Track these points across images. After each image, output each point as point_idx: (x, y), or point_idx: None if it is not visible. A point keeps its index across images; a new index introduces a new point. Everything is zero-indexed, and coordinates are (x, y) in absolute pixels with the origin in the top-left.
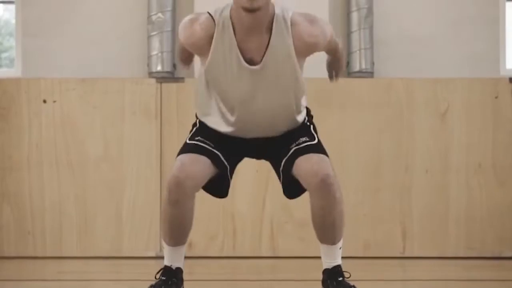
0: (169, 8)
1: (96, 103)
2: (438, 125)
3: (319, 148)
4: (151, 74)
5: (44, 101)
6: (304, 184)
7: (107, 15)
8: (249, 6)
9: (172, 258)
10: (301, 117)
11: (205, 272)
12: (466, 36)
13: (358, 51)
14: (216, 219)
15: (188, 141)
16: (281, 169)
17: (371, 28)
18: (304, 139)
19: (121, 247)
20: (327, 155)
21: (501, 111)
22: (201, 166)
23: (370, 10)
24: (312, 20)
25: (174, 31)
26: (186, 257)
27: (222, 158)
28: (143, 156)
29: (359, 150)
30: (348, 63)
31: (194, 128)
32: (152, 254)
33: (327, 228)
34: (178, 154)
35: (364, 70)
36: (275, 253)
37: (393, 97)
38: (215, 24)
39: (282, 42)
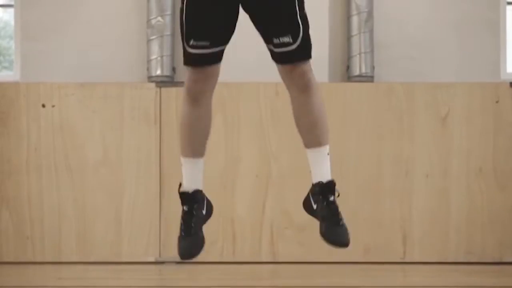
0: (169, 12)
1: (95, 107)
2: (439, 129)
3: (300, 52)
4: (150, 78)
5: (43, 106)
6: (284, 82)
7: (107, 19)
8: None
9: (191, 177)
10: None
11: (205, 277)
12: (466, 40)
13: (358, 55)
14: (216, 224)
15: (187, 48)
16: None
17: (371, 32)
18: (287, 39)
19: (120, 252)
20: (309, 55)
21: (501, 116)
22: (211, 69)
23: (370, 14)
24: None
25: (173, 35)
26: (185, 263)
27: (219, 48)
28: (143, 160)
29: (360, 154)
30: (348, 67)
31: (184, 7)
32: (152, 259)
33: (311, 126)
34: (186, 61)
35: (364, 74)
36: (275, 258)
37: (393, 101)
38: None
39: None
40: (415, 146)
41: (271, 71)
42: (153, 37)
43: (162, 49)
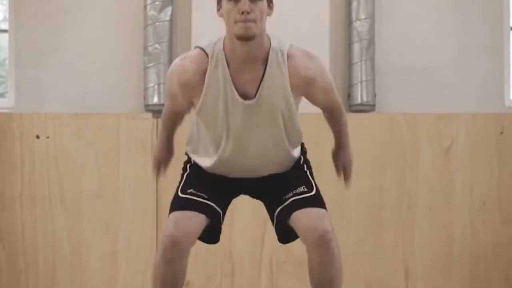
0: (166, 39)
1: (91, 138)
2: (442, 161)
3: (317, 201)
4: (147, 107)
5: (37, 137)
6: (301, 238)
7: (103, 46)
8: (243, 33)
9: None
10: (296, 152)
11: None
12: (469, 66)
13: (359, 83)
14: (214, 257)
15: (180, 194)
16: (275, 215)
17: (372, 60)
18: (301, 188)
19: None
20: (325, 207)
21: (506, 147)
22: (196, 223)
23: (371, 41)
24: (310, 55)
25: (171, 62)
26: None
27: (216, 207)
28: (139, 193)
29: (361, 187)
30: (349, 95)
31: (185, 175)
32: None
33: (325, 285)
34: (171, 209)
35: (365, 103)
36: None
37: (395, 132)
38: (208, 58)
39: (277, 75)
40: (418, 179)
41: None
42: (150, 64)
43: (159, 77)
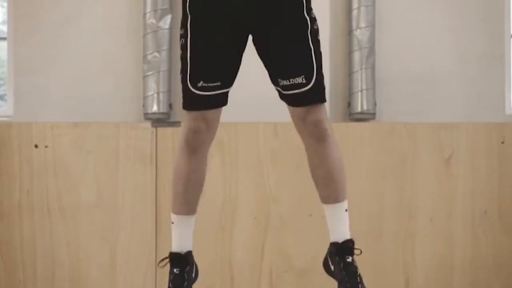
0: (165, 47)
1: (90, 148)
2: (442, 171)
3: (315, 95)
4: (146, 115)
5: (36, 146)
6: (296, 128)
7: (102, 54)
8: None
9: (184, 236)
10: None
11: None
12: (470, 75)
13: (359, 92)
14: (213, 267)
15: (191, 88)
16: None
17: (373, 68)
18: (300, 79)
19: None
20: (323, 98)
21: (507, 157)
22: (214, 118)
23: (372, 50)
24: None
25: (170, 71)
26: None
27: (229, 86)
28: (138, 202)
29: (361, 197)
30: (349, 104)
31: (188, 42)
32: None
33: (327, 179)
34: (184, 104)
35: (366, 111)
36: None
37: (396, 142)
38: None
39: None
40: (418, 189)
41: (270, 111)
42: (150, 73)
43: (159, 85)
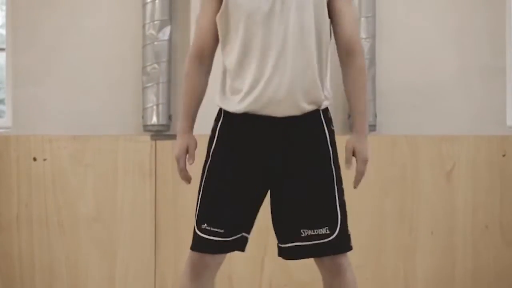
0: (165, 59)
1: (88, 161)
2: (444, 184)
3: (338, 245)
4: (146, 127)
5: (34, 159)
6: (318, 267)
7: (101, 65)
8: None
9: None
10: (323, 95)
11: None
12: (471, 87)
13: None
14: None
15: (196, 230)
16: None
17: (373, 80)
18: (324, 230)
19: None
20: (347, 247)
21: (509, 170)
22: (214, 264)
23: (372, 61)
24: None
25: (170, 82)
26: None
27: (234, 238)
28: (137, 216)
29: (362, 210)
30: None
31: (202, 185)
32: None
33: None
34: (192, 244)
35: None
36: None
37: (397, 154)
38: None
39: None
40: (419, 202)
41: None
42: (149, 84)
43: (158, 97)
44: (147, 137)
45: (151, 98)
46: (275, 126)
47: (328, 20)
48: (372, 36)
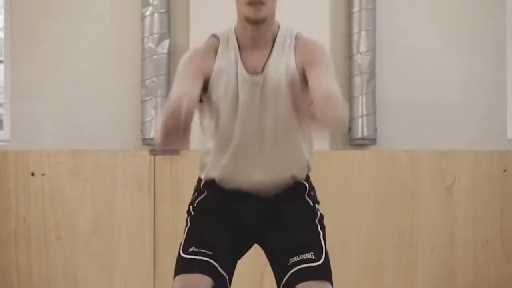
0: (164, 72)
1: (87, 176)
2: (444, 199)
3: (323, 272)
4: (144, 141)
5: (33, 174)
6: None
7: (100, 79)
8: (252, 17)
9: None
10: (308, 156)
11: None
12: (472, 101)
13: (360, 117)
14: None
15: (182, 255)
16: (282, 284)
17: (373, 93)
18: (309, 255)
19: None
20: (330, 279)
21: (509, 185)
22: (201, 285)
23: (372, 74)
24: (316, 41)
25: (168, 96)
26: None
27: (220, 269)
28: (136, 230)
29: (361, 225)
30: (350, 129)
31: (187, 226)
32: None
33: None
34: (175, 271)
35: (366, 137)
36: None
37: (397, 169)
38: (219, 41)
39: (283, 53)
40: (420, 217)
41: None
42: (147, 98)
43: (157, 111)
44: (145, 152)
45: (150, 111)
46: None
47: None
48: (372, 50)
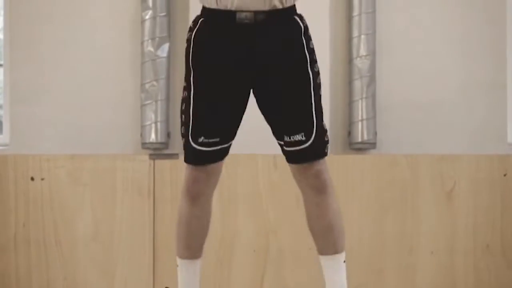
0: (163, 76)
1: (86, 180)
2: (444, 204)
3: (314, 151)
4: (144, 145)
5: (32, 179)
6: (295, 179)
7: (99, 83)
8: None
9: (188, 281)
10: None
11: None
12: (473, 105)
13: (360, 122)
14: None
15: (192, 144)
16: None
17: (373, 97)
18: (299, 136)
19: None
20: (323, 154)
21: (510, 189)
22: (215, 173)
23: (372, 78)
24: None
25: (168, 99)
26: None
27: (229, 141)
28: (136, 236)
29: (361, 230)
30: (349, 133)
31: (191, 93)
32: None
33: (327, 230)
34: (186, 158)
35: (366, 141)
36: None
37: (397, 174)
38: None
39: None
40: (420, 222)
41: (269, 143)
42: (147, 102)
43: (157, 114)
44: (145, 156)
45: (150, 115)
46: (250, 26)
47: None
48: (372, 53)
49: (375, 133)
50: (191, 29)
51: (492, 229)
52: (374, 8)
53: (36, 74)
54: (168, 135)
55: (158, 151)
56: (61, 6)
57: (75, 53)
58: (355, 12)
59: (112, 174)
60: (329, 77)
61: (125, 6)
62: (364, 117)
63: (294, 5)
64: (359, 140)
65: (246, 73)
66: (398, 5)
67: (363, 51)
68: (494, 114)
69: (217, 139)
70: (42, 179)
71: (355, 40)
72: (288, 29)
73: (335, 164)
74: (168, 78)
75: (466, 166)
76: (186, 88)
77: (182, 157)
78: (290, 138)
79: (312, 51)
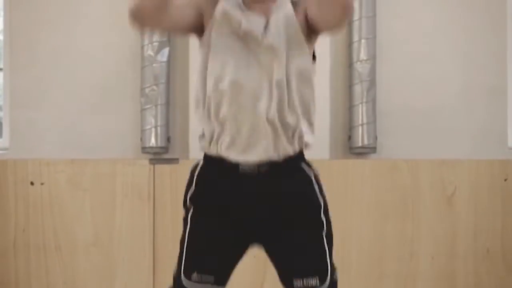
0: (163, 81)
1: (86, 185)
2: (445, 209)
3: None
4: (144, 149)
5: (32, 183)
6: None
7: (99, 87)
8: None
9: None
10: (308, 137)
11: None
12: (473, 109)
13: (360, 126)
14: None
15: (184, 278)
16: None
17: (373, 101)
18: (314, 281)
19: None
20: None
21: (510, 194)
22: None
23: (372, 83)
24: None
25: (168, 104)
26: None
27: (224, 281)
28: (136, 241)
29: (362, 235)
30: (349, 138)
31: (186, 234)
32: None
33: None
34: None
35: (366, 146)
36: None
37: (397, 179)
38: None
39: (284, 8)
40: (420, 226)
41: None
42: (147, 106)
43: (157, 119)
44: (145, 161)
45: (150, 120)
46: (259, 175)
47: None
48: (373, 58)
49: (376, 138)
50: (193, 171)
51: (493, 233)
52: (375, 12)
53: (36, 78)
54: (168, 139)
55: (158, 156)
56: (61, 11)
57: (75, 58)
58: (356, 17)
59: (112, 179)
60: (329, 81)
61: (125, 10)
62: (365, 121)
63: (302, 151)
64: (360, 144)
65: (252, 228)
66: (399, 10)
67: (363, 56)
68: (495, 119)
69: (211, 277)
70: (42, 183)
71: (355, 45)
72: (294, 182)
73: (335, 168)
74: (168, 82)
75: (467, 171)
76: (184, 222)
77: (182, 161)
78: (303, 282)
79: (324, 197)
